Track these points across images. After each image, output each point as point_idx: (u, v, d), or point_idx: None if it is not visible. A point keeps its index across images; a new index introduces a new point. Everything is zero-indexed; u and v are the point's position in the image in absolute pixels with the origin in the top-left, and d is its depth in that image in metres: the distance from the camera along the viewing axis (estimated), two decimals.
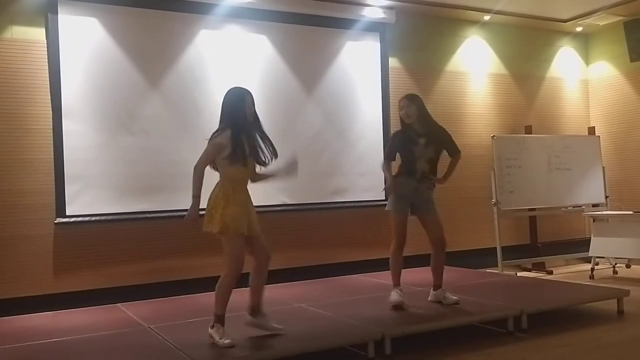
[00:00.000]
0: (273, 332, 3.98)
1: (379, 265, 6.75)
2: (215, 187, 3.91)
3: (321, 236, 6.59)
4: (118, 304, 5.19)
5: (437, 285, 4.87)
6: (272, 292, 5.49)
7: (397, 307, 4.62)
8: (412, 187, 4.78)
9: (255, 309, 4.00)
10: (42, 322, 4.66)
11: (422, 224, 4.88)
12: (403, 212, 4.80)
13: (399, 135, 4.90)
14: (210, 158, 3.88)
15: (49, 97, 5.49)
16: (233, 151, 3.78)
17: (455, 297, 4.78)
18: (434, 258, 4.87)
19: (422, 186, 4.81)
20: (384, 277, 6.08)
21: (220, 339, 3.74)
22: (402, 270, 4.86)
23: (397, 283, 4.77)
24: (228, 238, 3.78)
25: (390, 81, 7.17)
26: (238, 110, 3.87)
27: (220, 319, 3.82)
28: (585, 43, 8.74)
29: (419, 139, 4.79)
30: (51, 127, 5.49)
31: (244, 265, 3.83)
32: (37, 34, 5.50)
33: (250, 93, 3.94)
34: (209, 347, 3.74)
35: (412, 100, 4.85)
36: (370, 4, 6.84)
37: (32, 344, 3.97)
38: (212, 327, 3.82)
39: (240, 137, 3.82)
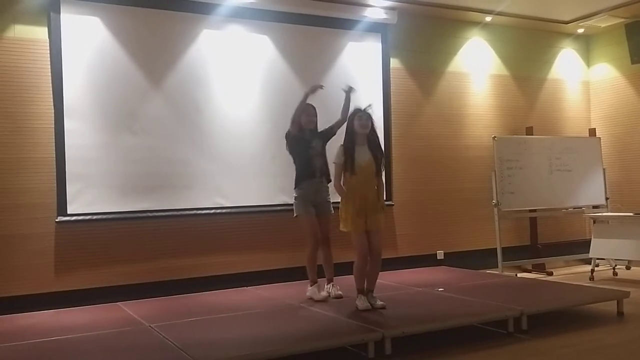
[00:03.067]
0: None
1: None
2: None
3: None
4: (119, 303, 5.20)
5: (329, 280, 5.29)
6: (273, 292, 5.52)
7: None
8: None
9: None
10: (43, 321, 4.67)
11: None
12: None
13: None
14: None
15: (51, 96, 5.51)
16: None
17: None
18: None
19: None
20: (385, 278, 6.09)
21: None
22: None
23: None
24: None
25: (391, 82, 7.19)
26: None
27: None
28: (587, 45, 8.75)
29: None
30: (53, 125, 5.50)
31: None
32: (40, 33, 5.50)
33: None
34: (209, 346, 3.75)
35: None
36: (372, 4, 6.85)
37: (33, 342, 3.98)
38: None
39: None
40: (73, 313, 4.93)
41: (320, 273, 5.22)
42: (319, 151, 5.11)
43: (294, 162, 5.19)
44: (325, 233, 5.16)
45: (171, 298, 5.40)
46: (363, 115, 4.66)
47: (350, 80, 6.86)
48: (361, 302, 4.65)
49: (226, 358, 3.56)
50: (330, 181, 5.02)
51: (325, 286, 5.18)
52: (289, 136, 5.16)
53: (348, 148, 4.62)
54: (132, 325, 4.40)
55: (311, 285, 5.15)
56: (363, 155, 4.62)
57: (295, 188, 5.12)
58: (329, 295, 5.09)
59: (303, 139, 5.08)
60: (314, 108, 5.16)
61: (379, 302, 4.67)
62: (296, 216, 5.13)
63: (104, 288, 5.59)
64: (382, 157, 4.76)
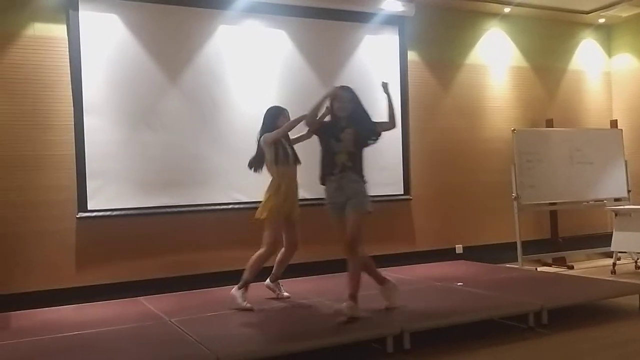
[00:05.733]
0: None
1: (397, 259, 6.75)
2: None
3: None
4: (140, 298, 5.24)
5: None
6: (290, 286, 5.52)
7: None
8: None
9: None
10: (64, 315, 4.72)
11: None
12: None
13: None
14: None
15: (71, 93, 5.56)
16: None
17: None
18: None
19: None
20: (404, 272, 6.09)
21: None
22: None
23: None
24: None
25: (409, 75, 7.15)
26: None
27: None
28: (608, 35, 8.62)
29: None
30: (72, 123, 5.55)
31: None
32: (59, 30, 5.55)
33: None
34: (228, 341, 3.77)
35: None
36: None
37: (55, 337, 4.03)
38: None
39: None
40: (94, 308, 4.98)
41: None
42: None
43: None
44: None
45: (191, 293, 5.43)
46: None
47: (367, 73, 6.87)
48: (243, 299, 4.58)
49: (245, 352, 3.58)
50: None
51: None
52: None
53: (281, 142, 4.71)
54: (153, 319, 4.43)
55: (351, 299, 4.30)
56: (290, 149, 4.80)
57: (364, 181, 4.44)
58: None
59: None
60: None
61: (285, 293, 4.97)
62: (369, 212, 4.42)
63: (125, 283, 5.65)
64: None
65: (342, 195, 4.33)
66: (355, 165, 4.37)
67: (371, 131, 4.42)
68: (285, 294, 5.00)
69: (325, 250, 6.17)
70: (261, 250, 4.70)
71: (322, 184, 4.45)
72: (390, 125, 4.50)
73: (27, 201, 5.40)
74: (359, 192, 4.35)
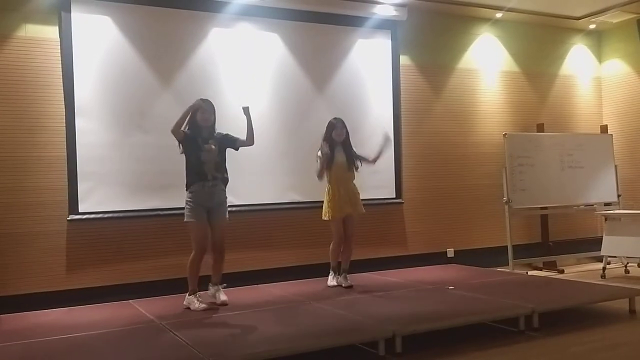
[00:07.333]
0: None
1: (388, 263, 6.77)
2: None
3: (331, 234, 6.59)
4: (130, 301, 5.23)
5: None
6: (283, 290, 5.53)
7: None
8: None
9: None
10: (55, 318, 4.70)
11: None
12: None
13: None
14: None
15: (62, 95, 5.53)
16: None
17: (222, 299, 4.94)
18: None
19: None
20: (396, 275, 6.11)
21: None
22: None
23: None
24: None
25: (401, 79, 7.17)
26: None
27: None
28: (599, 41, 8.68)
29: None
30: (64, 124, 5.53)
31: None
32: (51, 32, 5.53)
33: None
34: (220, 344, 3.77)
35: None
36: (382, 1, 6.83)
37: (45, 340, 4.01)
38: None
39: None
40: (85, 311, 4.97)
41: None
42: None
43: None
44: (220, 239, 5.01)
45: (183, 296, 5.41)
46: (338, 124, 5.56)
47: (359, 77, 6.90)
48: (330, 279, 5.61)
49: (238, 356, 3.58)
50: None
51: None
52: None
53: (332, 149, 5.45)
54: (144, 323, 4.42)
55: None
56: (339, 155, 5.51)
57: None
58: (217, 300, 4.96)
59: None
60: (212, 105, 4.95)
61: (349, 282, 5.54)
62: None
63: (116, 286, 5.62)
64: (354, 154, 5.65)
65: (213, 202, 4.84)
66: (223, 175, 4.93)
67: (231, 143, 4.99)
68: (348, 283, 5.56)
69: (315, 254, 6.18)
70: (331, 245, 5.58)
71: (188, 188, 4.82)
72: (249, 142, 5.02)
73: (18, 203, 5.37)
74: (225, 201, 4.97)
